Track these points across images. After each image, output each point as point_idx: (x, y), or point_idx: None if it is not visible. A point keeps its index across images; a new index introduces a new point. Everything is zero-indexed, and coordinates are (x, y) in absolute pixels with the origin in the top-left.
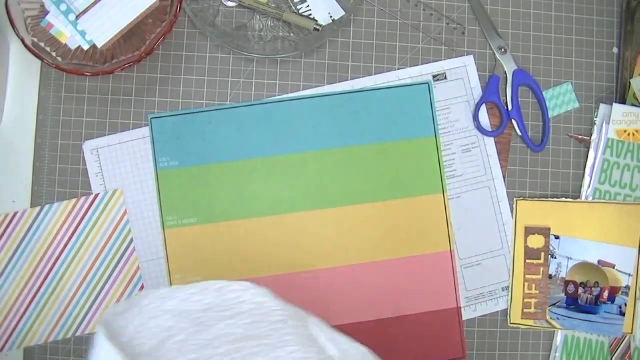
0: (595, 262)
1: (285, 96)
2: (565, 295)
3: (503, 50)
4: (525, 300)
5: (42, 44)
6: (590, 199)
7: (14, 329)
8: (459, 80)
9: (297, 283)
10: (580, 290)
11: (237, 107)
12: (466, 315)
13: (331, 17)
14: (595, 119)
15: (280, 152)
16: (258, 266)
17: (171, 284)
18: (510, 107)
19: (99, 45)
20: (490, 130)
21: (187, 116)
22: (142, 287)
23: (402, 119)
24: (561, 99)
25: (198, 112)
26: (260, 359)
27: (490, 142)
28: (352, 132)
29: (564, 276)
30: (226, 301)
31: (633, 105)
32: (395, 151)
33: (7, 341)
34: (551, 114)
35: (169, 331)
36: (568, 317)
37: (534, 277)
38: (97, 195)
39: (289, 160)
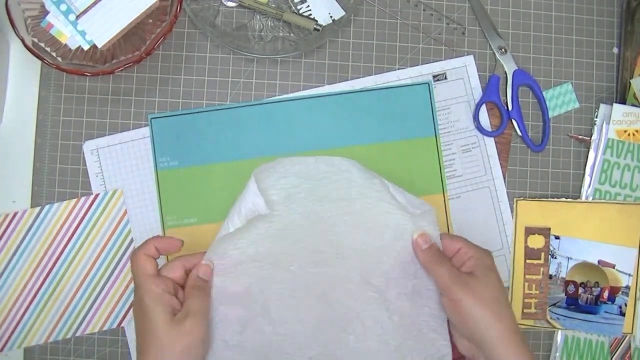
0: (595, 262)
1: (285, 96)
2: (565, 295)
3: (503, 50)
4: (525, 300)
5: (42, 44)
6: (590, 199)
7: (14, 329)
8: (459, 80)
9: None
10: (580, 290)
11: (237, 107)
12: None
13: (331, 17)
14: (595, 119)
15: (280, 153)
16: None
17: None
18: (510, 107)
19: (99, 45)
20: (490, 130)
21: (187, 116)
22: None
23: (402, 119)
24: (561, 99)
25: (198, 112)
26: (349, 217)
27: (490, 142)
28: (352, 132)
29: (564, 276)
30: (331, 172)
31: (633, 105)
32: (395, 151)
33: (7, 341)
34: (551, 114)
35: (294, 188)
36: (568, 317)
37: (534, 277)
38: (97, 195)
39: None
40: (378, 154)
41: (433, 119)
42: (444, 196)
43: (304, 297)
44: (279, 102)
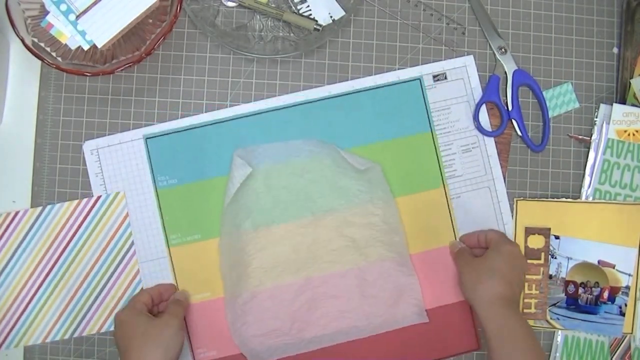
0: (595, 262)
1: (281, 103)
2: (565, 295)
3: (503, 50)
4: (525, 301)
5: (42, 44)
6: (590, 199)
7: (12, 328)
8: (459, 80)
9: (301, 291)
10: (580, 290)
11: (231, 119)
12: None
13: (331, 17)
14: (595, 119)
15: (277, 162)
16: (263, 277)
17: None
18: (510, 107)
19: (99, 45)
20: (490, 130)
21: (182, 133)
22: (142, 289)
23: (396, 116)
24: (561, 99)
25: (193, 128)
26: (316, 185)
27: (490, 142)
28: (349, 134)
29: (564, 276)
30: (297, 152)
31: (633, 105)
32: (393, 149)
33: (5, 339)
34: (551, 114)
35: (271, 168)
36: (568, 317)
37: (534, 277)
38: (99, 198)
39: (284, 169)
40: (376, 153)
41: (427, 115)
42: (444, 190)
43: (293, 253)
44: (273, 110)
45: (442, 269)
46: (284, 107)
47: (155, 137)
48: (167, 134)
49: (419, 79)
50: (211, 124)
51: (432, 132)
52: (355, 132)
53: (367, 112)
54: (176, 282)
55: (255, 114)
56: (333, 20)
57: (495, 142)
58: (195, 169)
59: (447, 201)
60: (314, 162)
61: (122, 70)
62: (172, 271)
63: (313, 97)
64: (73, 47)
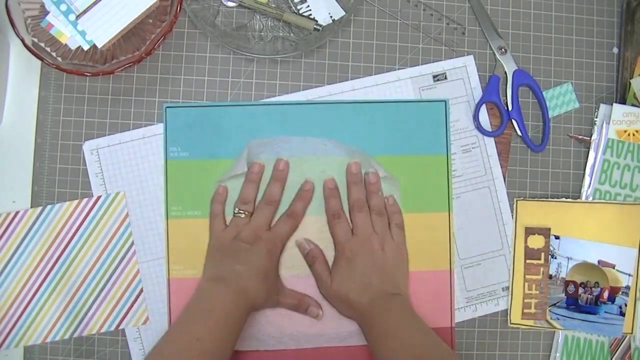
0: (595, 262)
1: (302, 99)
2: (565, 295)
3: (503, 50)
4: (525, 301)
5: (42, 44)
6: (590, 199)
7: (12, 328)
8: (459, 80)
9: (293, 287)
10: (580, 290)
11: (253, 105)
12: (466, 315)
13: (331, 17)
14: (595, 119)
15: (294, 155)
16: None
17: (169, 274)
18: (510, 107)
19: (99, 45)
20: (490, 130)
21: (202, 109)
22: (142, 290)
23: (415, 134)
24: (561, 99)
25: (214, 106)
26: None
27: (490, 142)
28: (366, 141)
29: (564, 276)
30: (318, 147)
31: (633, 105)
32: (405, 165)
33: (4, 340)
34: (551, 114)
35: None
36: (568, 317)
37: (534, 277)
38: (99, 198)
39: (299, 164)
40: (390, 165)
41: (446, 137)
42: (449, 215)
43: (294, 248)
44: (295, 104)
45: (430, 292)
46: (305, 103)
47: (175, 107)
48: (188, 107)
49: (445, 102)
50: (232, 106)
51: (447, 155)
52: (372, 141)
53: (388, 123)
54: (167, 256)
55: (277, 104)
56: (333, 20)
57: (495, 142)
58: (208, 146)
59: (450, 227)
60: (332, 162)
61: (122, 70)
62: (166, 244)
63: (334, 97)
64: (73, 47)
